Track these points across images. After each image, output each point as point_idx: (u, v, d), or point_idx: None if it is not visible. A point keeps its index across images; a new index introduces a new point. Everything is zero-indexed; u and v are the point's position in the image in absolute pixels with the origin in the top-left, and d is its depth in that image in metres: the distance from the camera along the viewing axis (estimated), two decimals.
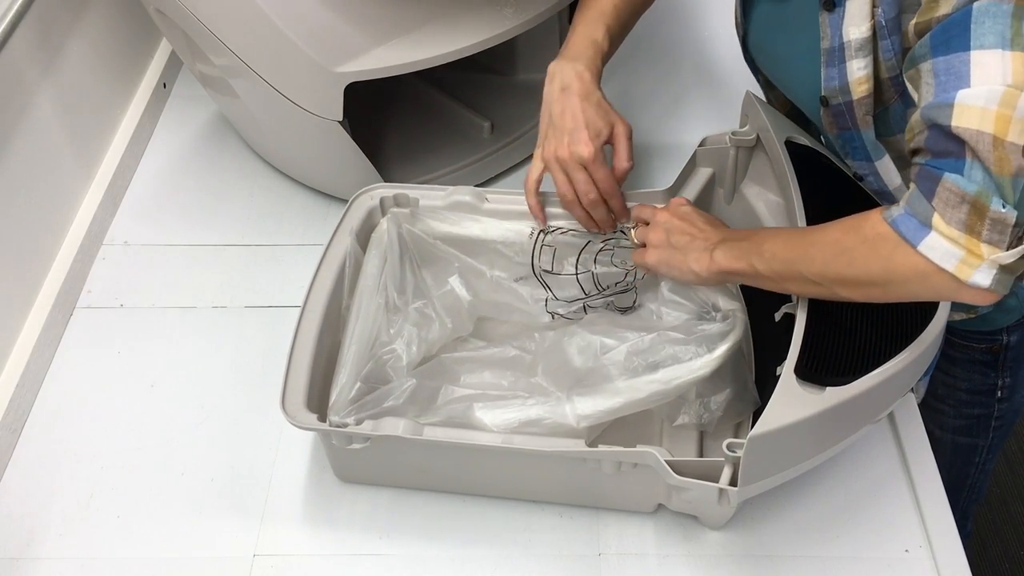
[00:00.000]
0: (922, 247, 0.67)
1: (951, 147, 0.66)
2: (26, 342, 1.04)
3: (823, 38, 0.83)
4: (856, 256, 0.72)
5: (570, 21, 1.33)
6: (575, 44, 0.96)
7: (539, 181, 0.97)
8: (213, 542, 0.91)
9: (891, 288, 0.72)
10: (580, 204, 0.95)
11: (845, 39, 0.80)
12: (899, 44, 0.77)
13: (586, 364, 0.92)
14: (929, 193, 0.67)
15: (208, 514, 0.93)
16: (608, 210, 0.96)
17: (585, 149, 0.92)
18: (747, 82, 1.04)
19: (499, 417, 0.86)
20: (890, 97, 0.82)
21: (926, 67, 0.69)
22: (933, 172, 0.68)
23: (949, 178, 0.66)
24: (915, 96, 0.71)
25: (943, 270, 0.67)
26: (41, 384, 1.04)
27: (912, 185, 0.69)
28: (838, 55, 0.81)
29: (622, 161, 0.95)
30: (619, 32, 0.98)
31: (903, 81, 0.78)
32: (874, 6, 0.77)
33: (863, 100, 0.82)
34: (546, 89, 0.96)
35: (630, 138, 0.96)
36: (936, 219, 0.67)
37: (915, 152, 0.71)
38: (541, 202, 0.99)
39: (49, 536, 0.91)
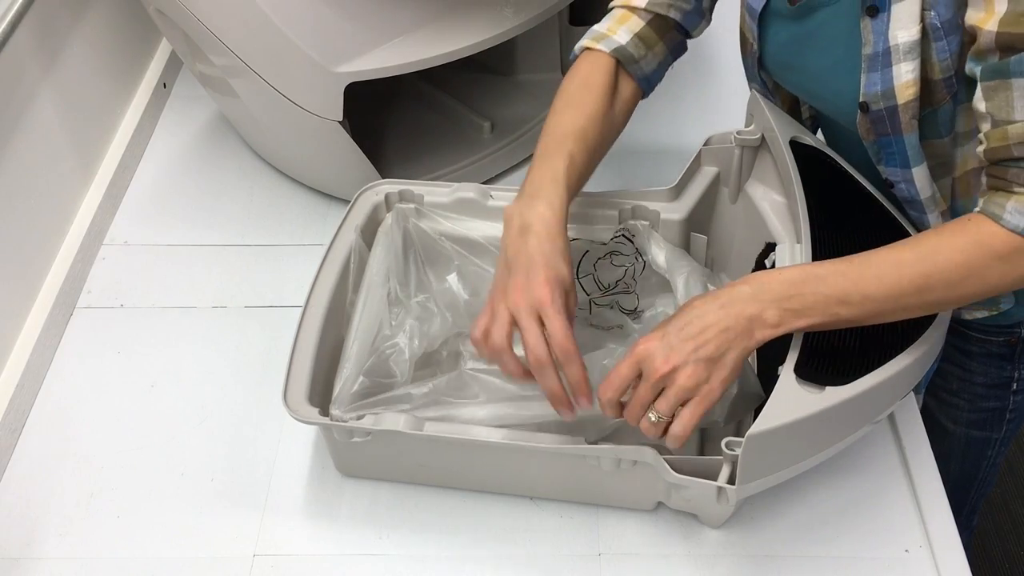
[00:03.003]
0: None
1: None
2: (26, 342, 1.05)
3: (865, 44, 0.81)
4: (991, 273, 0.75)
5: (571, 21, 1.33)
6: (532, 180, 0.84)
7: (486, 330, 0.80)
8: (213, 542, 0.91)
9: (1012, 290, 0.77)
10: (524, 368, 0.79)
11: (892, 43, 0.79)
12: (957, 44, 0.78)
13: (598, 365, 0.91)
14: None
15: (208, 514, 0.93)
16: (558, 379, 0.77)
17: (542, 291, 0.77)
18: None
19: (503, 416, 0.86)
20: (941, 99, 0.82)
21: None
22: None
23: None
24: (984, 104, 0.74)
25: None
26: (41, 384, 1.04)
27: None
28: (882, 60, 0.80)
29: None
30: (588, 157, 0.87)
31: (956, 82, 0.79)
32: (924, 9, 0.77)
33: (909, 104, 0.81)
34: (503, 236, 0.82)
35: (573, 307, 0.81)
36: None
37: (1016, 159, 0.74)
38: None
39: (49, 536, 0.91)
